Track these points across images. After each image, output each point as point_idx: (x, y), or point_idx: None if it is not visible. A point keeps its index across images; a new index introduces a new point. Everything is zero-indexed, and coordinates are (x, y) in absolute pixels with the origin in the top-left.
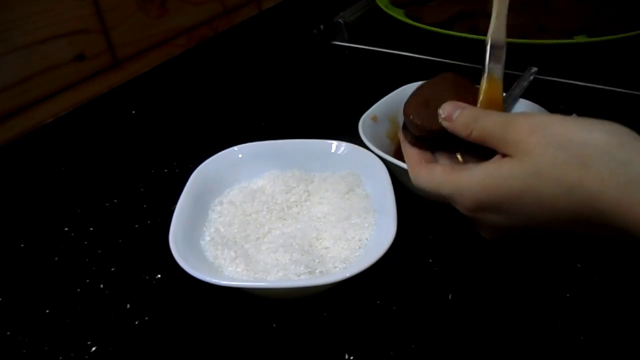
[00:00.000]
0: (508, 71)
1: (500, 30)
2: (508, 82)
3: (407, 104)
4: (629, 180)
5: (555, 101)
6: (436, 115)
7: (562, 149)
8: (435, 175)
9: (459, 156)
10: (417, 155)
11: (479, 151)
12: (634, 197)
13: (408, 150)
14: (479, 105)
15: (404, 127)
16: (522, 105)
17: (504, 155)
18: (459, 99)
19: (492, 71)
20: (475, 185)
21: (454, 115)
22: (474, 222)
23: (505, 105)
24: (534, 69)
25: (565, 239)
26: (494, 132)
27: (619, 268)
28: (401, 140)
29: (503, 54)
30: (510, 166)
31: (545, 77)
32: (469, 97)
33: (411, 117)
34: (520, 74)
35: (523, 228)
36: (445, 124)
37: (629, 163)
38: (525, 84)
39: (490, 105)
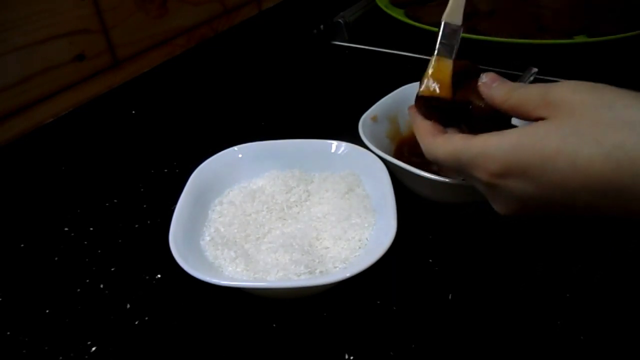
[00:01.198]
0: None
1: (455, 12)
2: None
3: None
4: None
5: None
6: (434, 90)
7: (608, 108)
8: (454, 141)
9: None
10: (430, 126)
11: (492, 128)
12: None
13: (420, 122)
14: (423, 86)
15: (416, 101)
16: None
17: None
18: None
19: (441, 53)
20: (506, 145)
21: (494, 83)
22: (490, 194)
23: None
24: (534, 70)
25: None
26: (532, 97)
27: (619, 268)
28: (412, 115)
29: (456, 36)
30: (548, 127)
31: (545, 77)
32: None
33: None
34: (521, 74)
35: (545, 201)
36: (483, 89)
37: None
38: (525, 84)
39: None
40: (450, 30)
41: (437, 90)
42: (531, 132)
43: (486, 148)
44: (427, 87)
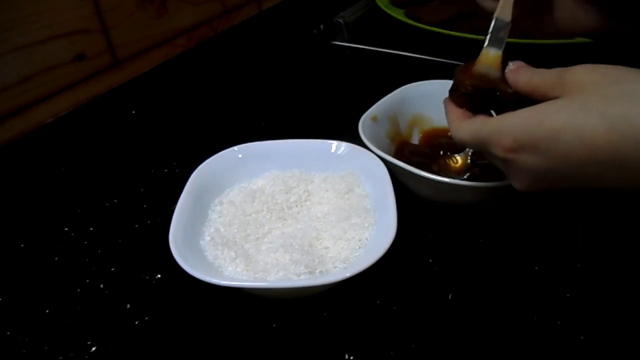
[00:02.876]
0: None
1: (505, 8)
2: None
3: (459, 68)
4: None
5: None
6: (483, 77)
7: (615, 84)
8: (475, 122)
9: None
10: (461, 112)
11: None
12: None
13: (452, 109)
14: (475, 76)
15: (451, 90)
16: None
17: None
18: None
19: (491, 45)
20: (517, 120)
21: (520, 69)
22: (507, 169)
23: None
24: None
25: (575, 224)
26: (550, 79)
27: (619, 268)
28: (446, 105)
29: (505, 31)
30: (559, 104)
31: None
32: None
33: (460, 75)
34: None
35: (557, 174)
36: (509, 75)
37: None
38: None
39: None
40: (500, 25)
41: (492, 76)
42: (542, 108)
43: (500, 125)
44: (479, 75)
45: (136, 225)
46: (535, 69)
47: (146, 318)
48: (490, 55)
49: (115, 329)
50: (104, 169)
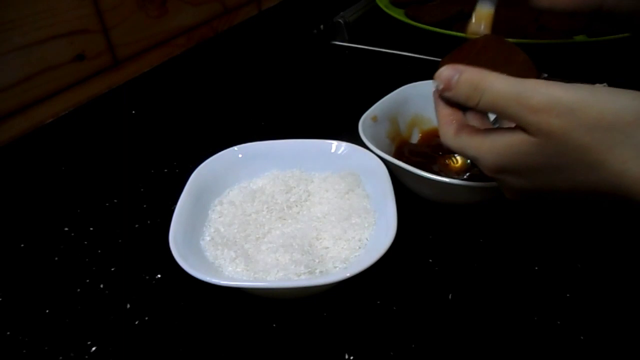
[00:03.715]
0: None
1: None
2: None
3: (443, 60)
4: None
5: None
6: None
7: (588, 133)
8: (461, 137)
9: (490, 118)
10: (449, 115)
11: None
12: None
13: (441, 109)
14: (468, 30)
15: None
16: None
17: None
18: (496, 65)
19: (482, 3)
20: (495, 154)
21: (452, 80)
22: (497, 182)
23: None
24: (544, 75)
25: (574, 224)
26: (507, 107)
27: (619, 268)
28: (435, 100)
29: None
30: (530, 147)
31: (545, 77)
32: (512, 61)
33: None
34: None
35: (544, 191)
36: (447, 94)
37: None
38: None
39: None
40: None
41: (481, 32)
42: (515, 148)
43: (481, 151)
44: (472, 30)
45: (136, 225)
46: (472, 81)
47: (146, 318)
48: (482, 12)
49: (115, 329)
50: (104, 169)
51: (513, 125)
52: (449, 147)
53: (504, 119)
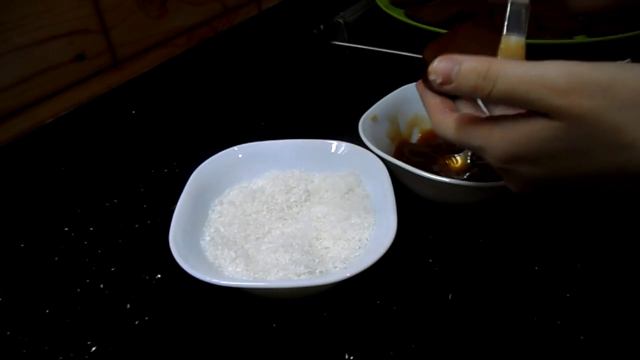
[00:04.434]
0: None
1: None
2: None
3: (427, 50)
4: None
5: None
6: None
7: (622, 112)
8: (464, 125)
9: (481, 105)
10: (440, 103)
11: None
12: None
13: (430, 99)
14: None
15: (424, 77)
16: None
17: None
18: (480, 50)
19: (510, 34)
20: (508, 143)
21: (452, 73)
22: (501, 173)
23: None
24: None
25: (574, 223)
26: (529, 92)
27: (619, 268)
28: (420, 92)
29: (525, 16)
30: (554, 132)
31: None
32: (493, 47)
33: (430, 55)
34: None
35: (560, 179)
36: (447, 88)
37: None
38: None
39: None
40: (517, 9)
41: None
42: (535, 135)
43: (491, 140)
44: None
45: (136, 225)
46: (480, 68)
47: (146, 318)
48: (512, 44)
49: (115, 329)
50: (104, 169)
51: (512, 111)
52: (446, 137)
53: (520, 106)
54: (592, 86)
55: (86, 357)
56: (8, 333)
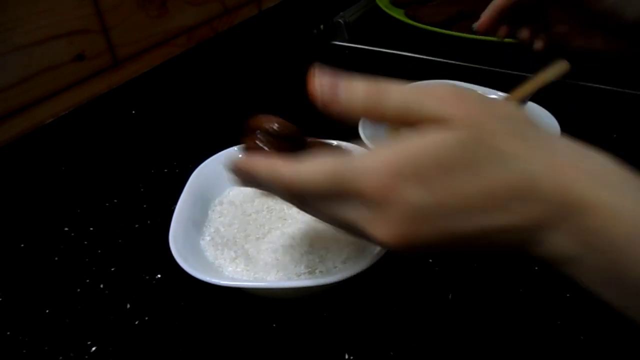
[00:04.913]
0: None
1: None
2: (517, 82)
3: (250, 120)
4: (563, 154)
5: (555, 101)
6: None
7: (503, 121)
8: (326, 159)
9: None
10: (277, 157)
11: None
12: (573, 165)
13: (264, 160)
14: None
15: (246, 143)
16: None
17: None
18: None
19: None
20: (391, 156)
21: (339, 91)
22: (375, 214)
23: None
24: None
25: None
26: (415, 108)
27: None
28: (249, 164)
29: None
30: (442, 135)
31: None
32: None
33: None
34: (520, 74)
35: (449, 214)
36: (336, 108)
37: (568, 144)
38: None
39: None
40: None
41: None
42: (419, 143)
43: (366, 162)
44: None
45: (136, 225)
46: (367, 89)
47: (146, 318)
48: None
49: (115, 329)
50: (104, 169)
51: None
52: (308, 181)
53: (414, 120)
54: (470, 100)
55: (86, 357)
56: (8, 333)
